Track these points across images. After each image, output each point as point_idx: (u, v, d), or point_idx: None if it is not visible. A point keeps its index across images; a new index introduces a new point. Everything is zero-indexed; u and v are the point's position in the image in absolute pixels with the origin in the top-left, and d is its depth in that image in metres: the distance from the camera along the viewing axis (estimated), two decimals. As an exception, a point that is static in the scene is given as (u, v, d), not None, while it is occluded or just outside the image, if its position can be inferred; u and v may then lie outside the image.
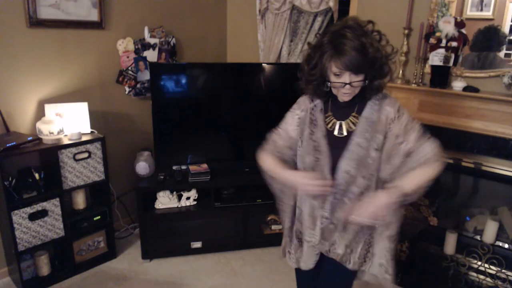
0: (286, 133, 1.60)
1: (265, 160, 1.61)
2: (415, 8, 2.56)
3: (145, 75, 2.97)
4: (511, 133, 2.27)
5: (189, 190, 2.85)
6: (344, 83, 1.36)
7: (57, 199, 2.44)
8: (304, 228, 1.60)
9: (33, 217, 2.35)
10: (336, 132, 1.48)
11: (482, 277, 2.52)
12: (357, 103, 1.47)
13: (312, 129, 1.51)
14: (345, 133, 1.47)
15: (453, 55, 2.37)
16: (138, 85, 3.00)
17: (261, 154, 1.63)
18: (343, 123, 1.48)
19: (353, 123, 1.46)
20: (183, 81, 2.81)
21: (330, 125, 1.50)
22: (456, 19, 2.35)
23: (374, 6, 2.73)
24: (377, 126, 1.43)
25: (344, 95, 1.41)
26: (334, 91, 1.43)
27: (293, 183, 1.51)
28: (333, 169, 1.47)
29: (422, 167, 1.41)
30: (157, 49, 3.01)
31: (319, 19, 3.06)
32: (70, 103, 2.57)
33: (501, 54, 2.33)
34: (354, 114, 1.47)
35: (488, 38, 2.34)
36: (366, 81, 1.38)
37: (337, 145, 1.47)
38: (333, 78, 1.38)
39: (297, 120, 1.57)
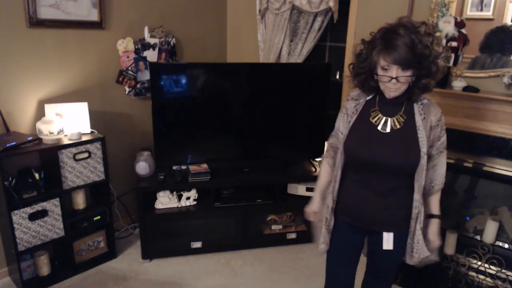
0: (337, 130, 1.73)
1: (321, 168, 1.79)
2: (415, 8, 2.56)
3: (145, 75, 2.97)
4: (511, 133, 2.27)
5: (189, 190, 2.85)
6: (391, 77, 1.41)
7: (57, 199, 2.44)
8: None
9: (33, 217, 2.35)
10: (380, 127, 1.53)
11: (482, 277, 2.52)
12: (404, 103, 1.52)
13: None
14: (388, 130, 1.52)
15: (453, 55, 2.37)
16: (138, 85, 3.00)
17: (323, 158, 1.80)
18: (389, 119, 1.52)
19: (398, 121, 1.52)
20: (183, 81, 2.81)
21: (375, 119, 1.54)
22: (456, 19, 2.35)
23: (374, 6, 2.74)
24: (424, 132, 1.52)
25: (390, 90, 1.46)
26: (381, 86, 1.48)
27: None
28: (375, 161, 1.53)
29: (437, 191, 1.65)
30: (157, 49, 3.01)
31: (319, 19, 3.06)
32: (70, 103, 2.57)
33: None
34: (401, 114, 1.52)
35: (502, 40, 2.32)
36: (413, 77, 1.42)
37: (378, 140, 1.52)
38: (380, 72, 1.44)
39: (343, 119, 1.67)
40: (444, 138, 1.58)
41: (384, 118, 1.53)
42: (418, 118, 1.51)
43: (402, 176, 1.55)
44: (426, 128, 1.51)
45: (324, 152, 1.80)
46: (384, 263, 1.70)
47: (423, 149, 1.49)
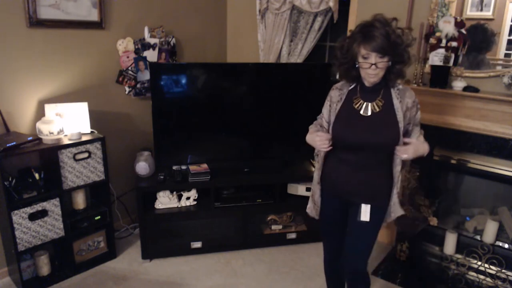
0: (322, 115, 1.93)
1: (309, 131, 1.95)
2: (415, 8, 2.56)
3: (145, 75, 2.97)
4: (511, 133, 2.27)
5: (189, 190, 2.85)
6: (371, 63, 1.63)
7: (57, 199, 2.44)
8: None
9: (33, 217, 2.35)
10: (362, 112, 1.75)
11: (482, 277, 2.52)
12: (382, 89, 1.74)
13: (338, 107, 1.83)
14: (369, 113, 1.74)
15: (453, 55, 2.37)
16: (138, 85, 3.00)
17: (310, 128, 1.97)
18: (370, 104, 1.75)
19: (378, 105, 1.74)
20: (183, 81, 2.81)
21: (357, 105, 1.77)
22: (456, 19, 2.35)
23: (374, 6, 2.73)
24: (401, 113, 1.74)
25: (370, 76, 1.68)
26: (362, 73, 1.71)
27: (312, 143, 1.84)
28: (359, 140, 1.74)
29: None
30: (157, 49, 3.01)
31: (319, 19, 3.06)
32: (70, 103, 2.57)
33: (502, 54, 2.32)
34: (380, 99, 1.74)
35: (476, 38, 2.34)
36: (389, 63, 1.64)
37: (361, 122, 1.74)
38: (361, 60, 1.66)
39: (328, 107, 1.88)
40: (418, 115, 1.82)
41: (365, 103, 1.76)
42: (396, 102, 1.73)
43: (382, 152, 1.77)
44: (402, 109, 1.73)
45: (311, 125, 1.98)
46: (362, 233, 1.88)
47: (402, 128, 1.72)
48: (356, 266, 1.90)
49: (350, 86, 1.82)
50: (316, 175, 1.92)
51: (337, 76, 3.32)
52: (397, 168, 1.79)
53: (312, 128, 1.94)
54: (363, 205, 1.80)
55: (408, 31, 1.72)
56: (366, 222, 1.81)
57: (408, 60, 1.68)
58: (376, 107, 1.74)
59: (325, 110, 1.88)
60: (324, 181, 1.90)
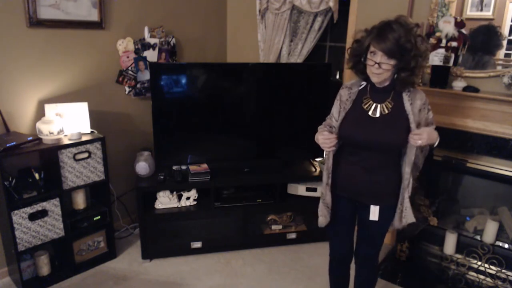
0: (332, 115, 1.91)
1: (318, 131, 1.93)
2: (415, 8, 2.56)
3: (145, 75, 2.97)
4: (511, 133, 2.27)
5: (189, 190, 2.85)
6: (375, 61, 1.63)
7: (57, 199, 2.44)
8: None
9: (33, 217, 2.35)
10: (370, 113, 1.75)
11: (482, 277, 2.52)
12: (392, 92, 1.73)
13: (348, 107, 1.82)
14: (377, 115, 1.74)
15: (453, 55, 2.38)
16: (138, 85, 3.00)
17: (319, 128, 1.95)
18: (379, 105, 1.74)
19: (387, 107, 1.73)
20: (183, 81, 2.81)
21: (367, 106, 1.76)
22: (456, 19, 2.35)
23: (374, 6, 2.74)
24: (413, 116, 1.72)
25: (373, 74, 1.68)
26: (367, 70, 1.70)
27: (317, 142, 1.82)
28: (366, 141, 1.74)
29: None
30: (157, 49, 3.02)
31: (319, 19, 3.06)
32: (70, 103, 2.57)
33: (502, 54, 2.32)
34: (389, 101, 1.74)
35: (486, 39, 2.33)
36: (394, 67, 1.63)
37: (368, 123, 1.74)
38: (368, 56, 1.67)
39: (338, 106, 1.86)
40: (430, 115, 1.79)
41: (374, 104, 1.75)
42: (407, 105, 1.71)
43: (388, 153, 1.77)
44: (414, 112, 1.71)
45: (321, 126, 1.96)
46: (372, 231, 1.92)
47: (413, 130, 1.69)
48: (368, 251, 1.97)
49: (360, 86, 1.81)
50: (325, 177, 1.88)
51: (337, 76, 3.33)
52: (407, 170, 1.76)
53: (320, 128, 1.94)
54: (372, 206, 1.82)
55: (427, 43, 1.70)
56: (376, 221, 1.84)
57: (414, 69, 1.64)
58: (385, 109, 1.73)
59: (334, 109, 1.87)
60: (333, 181, 1.88)
